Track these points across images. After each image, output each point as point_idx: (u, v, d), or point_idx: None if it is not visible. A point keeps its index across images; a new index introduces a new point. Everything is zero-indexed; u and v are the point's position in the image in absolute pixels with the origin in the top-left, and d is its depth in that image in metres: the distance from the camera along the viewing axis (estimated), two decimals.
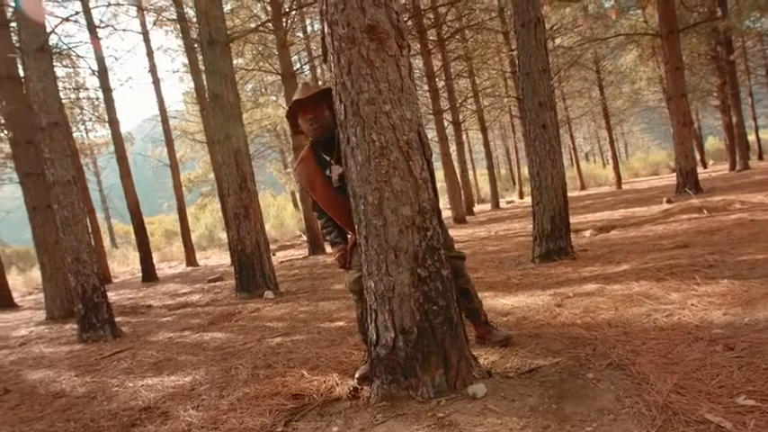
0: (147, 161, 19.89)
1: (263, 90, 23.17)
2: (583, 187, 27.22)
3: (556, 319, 3.34)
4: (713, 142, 36.04)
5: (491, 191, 22.47)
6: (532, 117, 5.73)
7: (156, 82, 16.12)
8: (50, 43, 6.25)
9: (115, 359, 4.44)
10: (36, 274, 14.33)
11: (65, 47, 12.21)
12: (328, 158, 2.76)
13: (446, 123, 17.60)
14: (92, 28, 12.96)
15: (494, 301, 4.09)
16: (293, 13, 13.55)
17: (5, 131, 10.22)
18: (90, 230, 5.93)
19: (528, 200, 19.86)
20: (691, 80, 19.38)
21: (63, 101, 11.91)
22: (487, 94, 22.87)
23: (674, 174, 13.02)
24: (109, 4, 12.35)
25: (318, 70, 18.36)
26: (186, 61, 15.33)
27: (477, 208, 22.85)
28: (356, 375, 2.69)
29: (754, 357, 2.19)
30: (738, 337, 2.43)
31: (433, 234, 2.34)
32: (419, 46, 15.39)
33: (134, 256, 18.03)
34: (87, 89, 17.61)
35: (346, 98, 2.29)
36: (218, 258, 17.50)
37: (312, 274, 8.50)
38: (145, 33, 15.85)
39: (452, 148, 18.29)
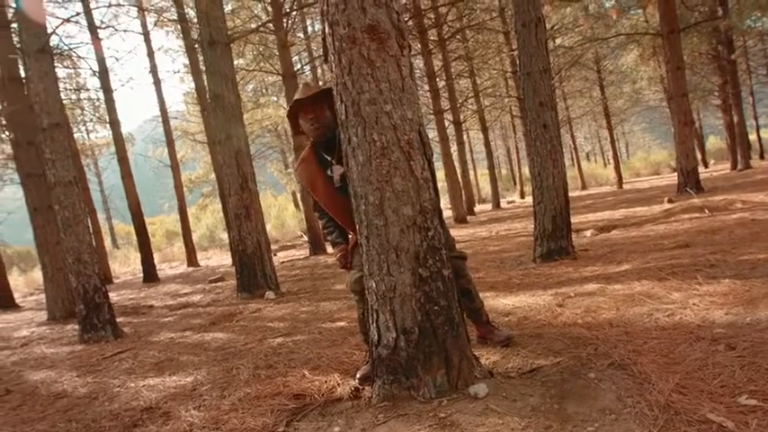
0: (148, 162, 19.90)
1: (263, 90, 23.18)
2: (584, 187, 27.20)
3: (557, 318, 3.34)
4: (714, 142, 36.02)
5: (492, 191, 22.46)
6: (533, 117, 5.73)
7: (157, 82, 16.13)
8: (51, 44, 6.26)
9: (117, 359, 4.45)
10: (37, 274, 14.34)
11: (66, 48, 12.22)
12: (329, 158, 2.76)
13: (447, 123, 17.60)
14: (93, 29, 12.96)
15: (495, 301, 4.09)
16: (294, 13, 13.56)
17: (7, 132, 10.24)
18: (91, 231, 5.93)
19: (529, 200, 19.87)
20: (692, 79, 19.35)
21: (64, 101, 11.95)
22: (488, 94, 22.87)
23: (676, 173, 13.00)
24: (110, 5, 12.37)
25: (319, 70, 18.39)
26: (187, 62, 15.33)
27: (477, 208, 22.83)
28: (358, 375, 2.69)
29: (756, 357, 2.19)
30: (740, 337, 2.43)
31: (434, 234, 2.34)
32: (420, 46, 15.39)
33: (135, 257, 18.03)
34: (88, 90, 17.61)
35: (347, 98, 2.29)
36: (219, 259, 17.51)
37: (313, 275, 8.50)
38: (146, 34, 15.85)
39: (453, 147, 18.29)
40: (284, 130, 22.55)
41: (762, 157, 24.27)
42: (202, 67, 10.22)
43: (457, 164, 17.99)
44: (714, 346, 2.38)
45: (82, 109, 17.93)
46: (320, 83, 16.70)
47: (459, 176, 17.87)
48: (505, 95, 22.43)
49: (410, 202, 2.29)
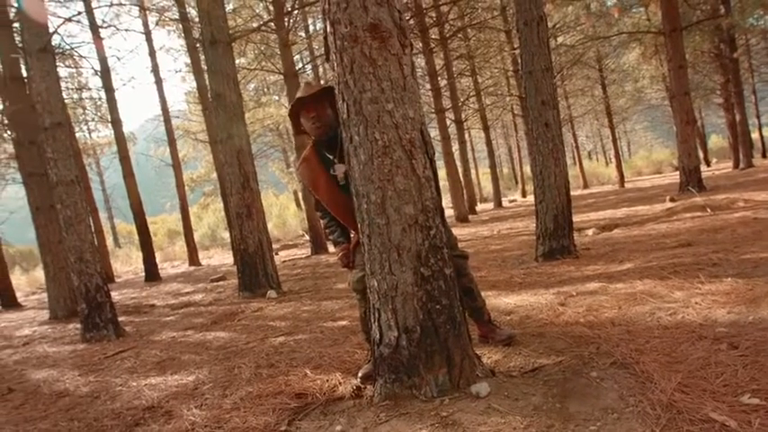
0: (150, 161, 19.91)
1: (265, 89, 23.17)
2: (585, 186, 27.17)
3: (559, 317, 3.34)
4: (716, 140, 35.98)
5: (493, 190, 22.44)
6: (535, 116, 5.72)
7: (159, 82, 16.16)
8: (53, 43, 6.26)
9: (118, 358, 4.45)
10: (39, 273, 14.36)
11: (67, 47, 12.25)
12: (331, 157, 2.75)
13: (448, 122, 17.59)
14: (94, 28, 12.98)
15: (497, 300, 4.09)
16: (295, 12, 13.56)
17: (9, 132, 10.25)
18: (93, 230, 5.94)
19: (530, 199, 19.85)
20: (694, 78, 19.30)
21: (66, 101, 11.96)
22: (490, 93, 22.86)
23: (677, 172, 12.98)
24: (111, 5, 12.38)
25: (321, 69, 18.38)
26: (188, 61, 15.34)
27: (479, 207, 22.83)
28: (359, 374, 2.69)
29: (759, 356, 2.18)
30: (743, 336, 2.42)
31: (436, 233, 2.34)
32: (421, 45, 15.38)
33: (137, 256, 18.05)
34: (90, 89, 17.66)
35: (349, 97, 2.29)
36: (220, 258, 17.53)
37: (315, 274, 8.50)
38: (147, 33, 15.87)
39: (455, 146, 18.29)
40: (286, 129, 22.56)
41: (764, 155, 24.22)
42: (204, 67, 10.23)
43: (458, 163, 17.99)
44: (716, 345, 2.37)
45: (84, 108, 17.96)
46: (322, 82, 16.69)
47: (461, 175, 17.86)
48: (507, 94, 22.41)
49: (412, 200, 2.29)
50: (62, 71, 14.88)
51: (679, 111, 11.75)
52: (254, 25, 13.61)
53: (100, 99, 17.33)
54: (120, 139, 13.57)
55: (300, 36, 16.75)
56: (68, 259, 5.59)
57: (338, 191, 2.73)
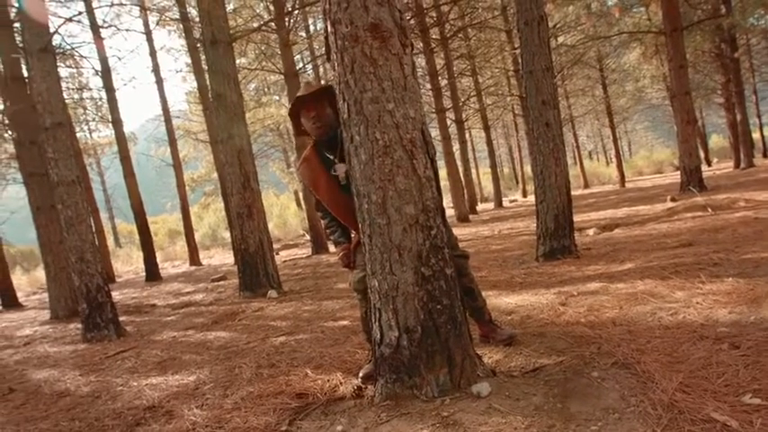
0: (151, 161, 19.92)
1: (265, 89, 23.18)
2: (586, 186, 27.16)
3: (560, 317, 3.33)
4: (717, 140, 35.94)
5: (494, 189, 22.44)
6: (536, 115, 5.72)
7: (159, 82, 16.17)
8: (54, 43, 6.26)
9: (119, 358, 4.46)
10: (40, 273, 14.38)
11: (68, 47, 12.26)
12: (332, 157, 2.75)
13: (449, 122, 17.59)
14: (95, 28, 12.99)
15: (498, 300, 4.08)
16: (296, 12, 13.56)
17: (9, 132, 10.25)
18: (94, 230, 5.94)
19: (531, 198, 19.84)
20: (695, 78, 19.29)
21: (66, 101, 11.97)
22: (490, 93, 22.85)
23: (678, 172, 12.98)
24: (112, 4, 12.38)
25: (321, 69, 18.38)
26: (189, 61, 15.37)
27: (480, 207, 22.83)
28: (360, 374, 2.69)
29: (760, 356, 2.18)
30: (744, 336, 2.42)
31: (437, 233, 2.34)
32: (422, 44, 15.38)
33: (138, 256, 18.06)
34: (91, 89, 17.70)
35: (350, 97, 2.29)
36: (221, 258, 17.54)
37: (315, 274, 8.50)
38: (148, 33, 15.88)
39: (455, 146, 18.30)
40: (286, 129, 22.57)
41: (765, 155, 24.20)
42: (204, 66, 10.24)
43: (459, 162, 17.98)
44: (718, 345, 2.37)
45: (84, 108, 17.98)
46: (323, 82, 16.69)
47: (462, 175, 17.86)
48: (507, 94, 22.41)
49: (413, 200, 2.28)
50: (63, 71, 14.93)
51: (680, 110, 11.75)
52: (255, 25, 13.61)
53: (100, 99, 17.37)
54: (121, 139, 13.59)
55: (301, 36, 16.75)
56: (69, 259, 5.59)
57: (339, 191, 2.72)
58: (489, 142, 22.10)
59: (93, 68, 13.56)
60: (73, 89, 16.61)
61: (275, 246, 11.65)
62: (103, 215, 23.35)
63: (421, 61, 16.15)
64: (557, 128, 5.71)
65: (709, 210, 7.45)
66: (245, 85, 18.95)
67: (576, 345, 2.72)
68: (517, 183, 33.84)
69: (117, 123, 13.52)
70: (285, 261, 11.56)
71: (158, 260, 14.23)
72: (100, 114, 17.92)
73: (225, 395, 2.89)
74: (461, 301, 2.47)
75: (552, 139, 5.68)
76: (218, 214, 23.60)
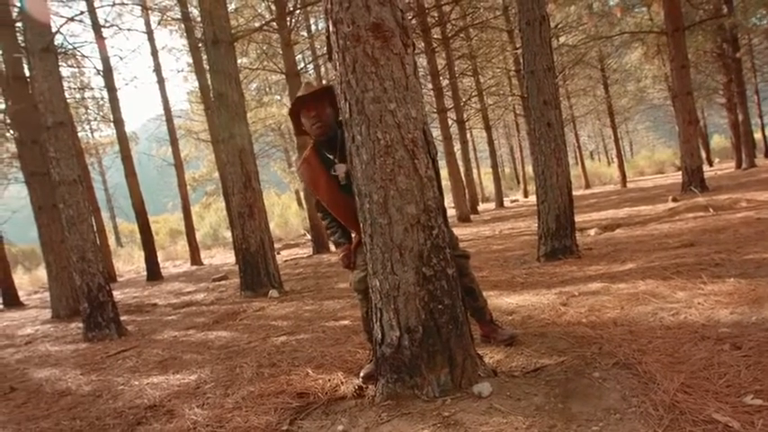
0: (152, 160, 19.95)
1: (267, 89, 23.21)
2: (587, 186, 27.14)
3: (561, 317, 3.33)
4: (719, 140, 35.87)
5: (495, 189, 22.43)
6: (537, 115, 5.71)
7: (161, 81, 16.17)
8: (55, 43, 6.27)
9: (120, 358, 4.46)
10: (42, 272, 14.41)
11: (70, 47, 12.25)
12: (332, 157, 2.75)
13: (450, 122, 17.58)
14: (96, 28, 13.01)
15: (499, 300, 4.08)
16: (297, 12, 13.56)
17: (11, 131, 10.27)
18: (95, 229, 5.95)
19: (532, 199, 19.82)
20: (696, 78, 19.27)
21: (68, 100, 11.96)
22: (492, 93, 22.84)
23: (680, 172, 12.96)
24: (114, 4, 12.39)
25: (323, 69, 18.38)
26: (191, 60, 15.38)
27: (481, 207, 22.83)
28: (361, 374, 2.69)
29: (762, 356, 2.17)
30: (746, 336, 2.41)
31: (438, 233, 2.34)
32: (423, 44, 15.38)
33: (139, 255, 18.09)
34: (92, 89, 17.71)
35: (351, 96, 2.29)
36: (222, 257, 17.55)
37: (316, 273, 8.50)
38: (149, 33, 15.90)
39: (457, 146, 18.29)
40: (287, 128, 22.58)
41: (766, 155, 24.14)
42: (206, 66, 10.23)
43: (460, 162, 17.98)
44: (719, 346, 2.36)
45: (86, 108, 18.00)
46: (324, 81, 16.71)
47: (463, 175, 17.86)
48: (509, 94, 22.40)
49: (414, 200, 2.28)
50: (64, 71, 14.94)
51: (681, 111, 11.73)
52: (257, 25, 13.62)
53: (102, 99, 17.37)
54: (123, 139, 13.60)
55: (302, 36, 16.77)
56: (71, 258, 5.60)
57: (338, 191, 2.72)
58: (490, 142, 22.09)
59: (95, 68, 13.58)
60: (75, 89, 16.63)
61: (276, 245, 11.65)
62: (105, 214, 23.36)
63: (422, 61, 16.15)
64: (558, 128, 5.71)
65: (711, 210, 7.44)
66: (246, 85, 18.97)
67: (577, 345, 2.72)
68: (518, 183, 33.83)
69: (118, 123, 13.54)
70: (286, 261, 11.57)
71: (159, 259, 14.24)
72: (101, 114, 17.94)
73: (226, 394, 2.89)
74: (462, 301, 2.47)
75: (554, 139, 5.67)
76: (219, 214, 23.61)
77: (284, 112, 18.31)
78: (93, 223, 5.84)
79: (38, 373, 4.38)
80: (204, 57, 11.58)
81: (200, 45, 12.95)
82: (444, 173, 15.56)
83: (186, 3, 13.68)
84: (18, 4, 7.28)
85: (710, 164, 25.75)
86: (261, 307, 5.92)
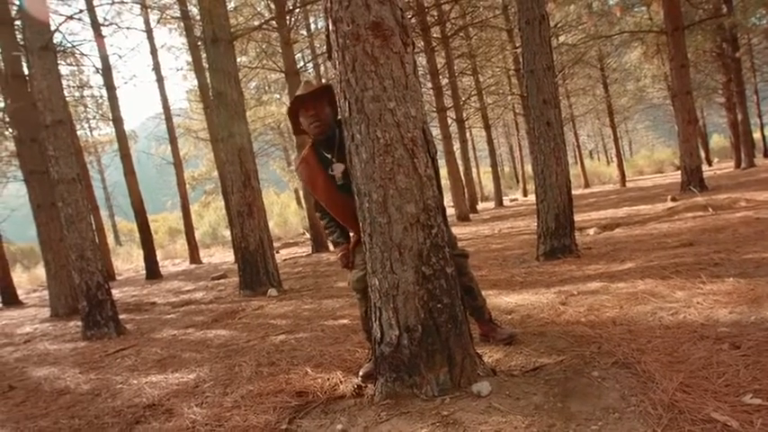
0: (151, 159, 19.93)
1: (266, 88, 23.17)
2: (587, 185, 27.15)
3: (560, 317, 3.33)
4: (718, 140, 35.92)
5: (495, 188, 22.44)
6: (537, 114, 5.71)
7: (160, 80, 16.16)
8: (54, 41, 6.26)
9: (119, 356, 4.46)
10: (40, 271, 14.39)
11: (69, 45, 12.24)
12: (330, 156, 2.74)
13: (450, 121, 17.58)
14: (96, 26, 12.99)
15: (498, 299, 4.08)
16: (297, 10, 13.55)
17: (10, 129, 10.25)
18: (94, 228, 5.94)
19: (532, 198, 19.84)
20: (696, 77, 19.28)
21: (67, 99, 11.95)
22: (491, 92, 22.84)
23: (679, 171, 12.97)
24: (113, 2, 12.37)
25: (322, 68, 18.38)
26: (190, 59, 15.35)
27: (480, 206, 22.83)
28: (360, 373, 2.69)
29: (761, 356, 2.18)
30: (745, 336, 2.41)
31: (437, 232, 2.34)
32: (422, 43, 15.37)
33: (138, 254, 18.08)
34: (91, 87, 17.68)
35: (351, 95, 2.29)
36: (221, 256, 17.54)
37: (315, 272, 8.50)
38: (149, 31, 15.88)
39: (456, 145, 18.28)
40: (287, 127, 22.53)
41: (766, 155, 24.15)
42: (205, 65, 10.23)
43: (460, 161, 17.98)
44: (718, 345, 2.37)
45: (85, 106, 17.99)
46: (324, 80, 16.70)
47: (462, 174, 17.86)
48: (508, 93, 22.41)
49: (413, 199, 2.28)
50: (63, 69, 14.92)
51: (681, 110, 11.74)
52: (256, 23, 13.60)
53: (101, 97, 17.37)
54: (122, 137, 13.59)
55: (302, 34, 16.75)
56: (69, 257, 5.59)
57: (336, 191, 2.72)
58: (490, 141, 22.10)
59: (94, 66, 13.54)
60: (74, 87, 16.62)
61: (275, 244, 11.66)
62: (104, 213, 23.36)
63: (422, 60, 16.14)
64: (558, 127, 5.71)
65: (710, 210, 7.44)
66: (245, 84, 18.94)
67: (576, 344, 2.72)
68: (518, 182, 33.83)
69: (117, 121, 13.53)
70: (285, 259, 11.57)
71: (158, 258, 14.25)
72: (100, 112, 17.94)
73: (225, 393, 2.89)
74: (461, 301, 2.47)
75: (553, 139, 5.67)
76: (218, 212, 23.61)
77: (284, 110, 18.29)
78: (92, 222, 5.83)
79: (36, 371, 4.38)
80: (203, 55, 11.56)
81: (199, 43, 12.93)
82: (444, 172, 15.57)
83: (185, 1, 13.65)
84: (17, 2, 7.27)
85: (710, 163, 25.77)
86: (260, 306, 5.91)
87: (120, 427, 2.68)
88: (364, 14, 2.22)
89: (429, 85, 16.55)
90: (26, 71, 7.91)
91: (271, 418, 2.40)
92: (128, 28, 14.20)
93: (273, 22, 12.31)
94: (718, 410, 1.80)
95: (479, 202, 24.77)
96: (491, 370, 2.46)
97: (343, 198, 2.66)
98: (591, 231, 7.60)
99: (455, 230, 2.92)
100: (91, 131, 23.35)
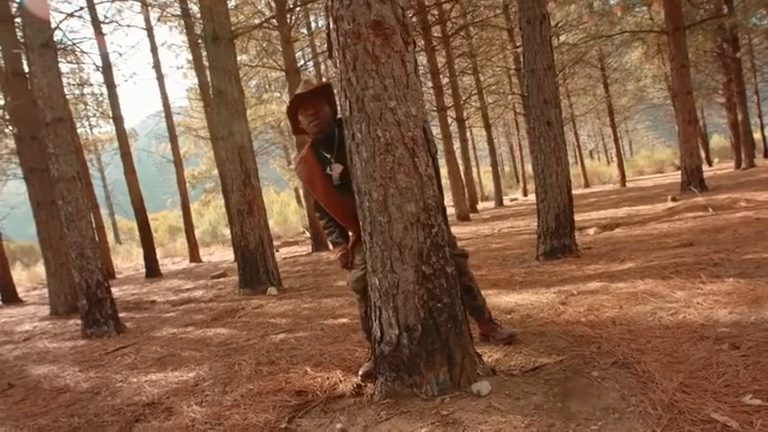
0: (151, 157, 19.92)
1: (266, 86, 23.16)
2: (587, 185, 27.15)
3: (560, 316, 3.33)
4: (718, 140, 35.90)
5: (495, 188, 22.43)
6: (537, 114, 5.71)
7: (160, 78, 16.15)
8: (55, 39, 6.25)
9: (119, 355, 4.46)
10: (40, 269, 14.39)
11: (69, 43, 12.21)
12: (328, 156, 2.74)
13: (450, 120, 17.58)
14: (96, 24, 12.98)
15: (498, 299, 4.08)
16: (297, 9, 13.54)
17: (10, 127, 10.24)
18: (94, 226, 5.94)
19: (532, 197, 19.84)
20: (696, 77, 19.27)
21: (67, 96, 11.94)
22: (492, 92, 22.83)
23: (679, 172, 12.97)
24: (113, 0, 12.35)
25: (323, 66, 18.37)
26: (190, 57, 15.35)
27: (480, 205, 22.83)
28: (360, 372, 2.68)
29: (761, 356, 2.17)
30: (744, 336, 2.41)
31: (437, 231, 2.33)
32: (423, 42, 15.36)
33: (138, 252, 18.07)
34: (91, 85, 17.67)
35: (351, 94, 2.28)
36: (221, 254, 17.54)
37: (315, 271, 8.50)
38: (149, 29, 15.86)
39: (456, 145, 18.28)
40: (287, 126, 22.45)
41: (766, 155, 24.14)
42: (206, 63, 10.22)
43: (460, 161, 17.98)
44: (718, 346, 2.36)
45: (85, 104, 17.98)
46: (324, 79, 16.69)
47: (462, 174, 17.86)
48: (509, 92, 22.40)
49: (414, 198, 2.28)
50: (64, 67, 14.89)
51: (681, 110, 11.73)
52: (257, 22, 13.58)
53: (101, 95, 17.36)
54: (122, 136, 13.58)
55: (302, 33, 16.74)
56: (69, 255, 5.59)
57: (335, 190, 2.71)
58: (490, 141, 22.09)
59: (94, 64, 13.54)
60: (74, 85, 16.60)
61: (275, 243, 11.66)
62: (104, 211, 23.36)
63: (422, 59, 16.13)
64: (558, 127, 5.70)
65: (710, 210, 7.44)
66: (246, 82, 18.93)
67: (576, 344, 2.72)
68: (518, 181, 33.83)
69: (117, 119, 13.51)
70: (285, 258, 11.56)
71: (158, 257, 14.24)
72: (101, 110, 17.93)
73: (224, 392, 2.89)
74: (461, 300, 2.47)
75: (553, 138, 5.67)
76: (218, 211, 23.59)
77: (284, 109, 18.22)
78: (92, 220, 5.83)
79: (36, 369, 4.38)
80: (204, 53, 11.56)
81: (199, 42, 12.92)
82: (444, 171, 15.57)
83: None
84: (17, 0, 7.26)
85: (710, 164, 25.76)
86: (259, 304, 5.91)
87: (120, 426, 2.68)
88: (365, 13, 2.21)
89: (429, 84, 16.54)
90: (26, 69, 7.90)
91: (270, 416, 2.40)
92: (128, 26, 14.21)
93: (274, 20, 12.30)
94: (718, 411, 1.80)
95: (479, 202, 24.77)
96: (491, 369, 2.46)
97: (342, 198, 2.65)
98: (591, 231, 7.60)
99: (455, 230, 2.92)
100: (91, 129, 23.37)
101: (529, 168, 27.06)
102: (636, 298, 3.41)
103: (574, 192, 6.37)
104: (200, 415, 2.57)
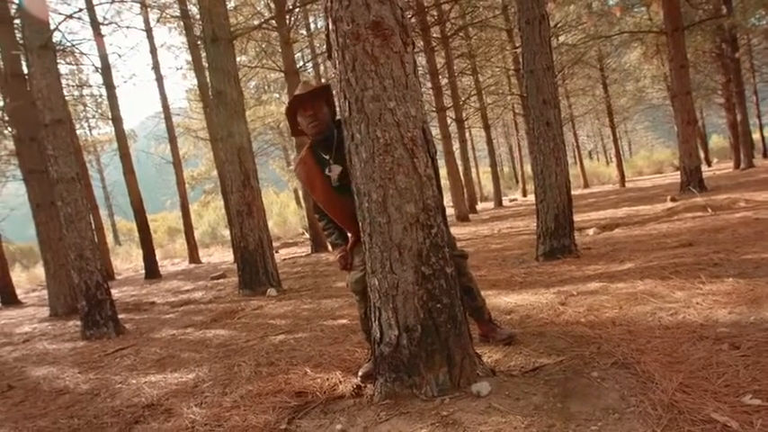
0: (151, 158, 19.91)
1: (266, 87, 23.14)
2: (586, 185, 27.16)
3: (560, 317, 3.33)
4: (717, 140, 35.94)
5: (494, 189, 22.44)
6: (536, 114, 5.71)
7: (160, 79, 16.15)
8: (54, 40, 6.25)
9: (118, 356, 4.45)
10: (40, 270, 14.37)
11: (68, 44, 12.22)
12: (327, 157, 2.73)
13: (449, 121, 17.59)
14: (95, 25, 12.97)
15: (497, 300, 4.08)
16: (297, 10, 13.54)
17: (9, 128, 10.24)
18: (93, 227, 5.93)
19: (531, 198, 19.83)
20: (695, 78, 19.27)
21: (66, 98, 11.95)
22: (491, 92, 22.85)
23: (678, 172, 12.98)
24: (112, 1, 12.34)
25: (322, 67, 18.37)
26: (189, 58, 15.34)
27: (480, 206, 22.83)
28: (360, 373, 2.68)
29: (761, 356, 2.17)
30: (744, 336, 2.41)
31: (437, 232, 2.33)
32: (422, 43, 15.38)
33: (137, 253, 18.07)
34: (91, 86, 17.67)
35: (351, 95, 2.28)
36: (221, 255, 17.53)
37: (315, 272, 8.50)
38: (148, 30, 15.86)
39: (455, 145, 18.29)
40: (286, 127, 22.37)
41: (765, 155, 24.19)
42: (205, 64, 10.22)
43: (459, 161, 17.99)
44: (718, 346, 2.36)
45: (84, 105, 17.99)
46: (323, 80, 16.70)
47: (462, 174, 17.86)
48: (508, 93, 22.41)
49: (413, 199, 2.28)
50: (63, 68, 14.89)
51: (680, 110, 11.74)
52: (256, 23, 13.59)
53: (100, 96, 17.38)
54: (121, 137, 13.58)
55: (302, 34, 16.73)
56: (69, 256, 5.58)
57: (334, 192, 2.71)
58: (489, 141, 22.11)
59: (94, 65, 13.55)
60: (73, 86, 16.61)
61: (275, 244, 11.65)
62: (103, 212, 23.33)
63: (421, 60, 16.13)
64: (557, 127, 5.71)
65: (710, 210, 7.45)
66: (245, 83, 18.93)
67: (575, 344, 2.72)
68: (517, 182, 33.84)
69: (117, 120, 13.51)
70: (285, 259, 11.56)
71: (158, 258, 14.23)
72: (100, 111, 17.93)
73: (224, 393, 2.89)
74: (461, 301, 2.47)
75: (553, 139, 5.67)
76: (217, 212, 23.60)
77: (283, 110, 18.22)
78: (91, 221, 5.82)
79: (35, 371, 4.37)
80: (203, 54, 11.55)
81: (199, 43, 12.93)
82: (443, 172, 15.58)
83: (185, 0, 13.64)
84: (16, 1, 7.26)
85: (709, 164, 25.78)
86: (259, 305, 5.91)
87: (119, 427, 2.68)
88: (364, 14, 2.21)
89: (429, 84, 16.55)
90: (25, 70, 7.90)
91: (270, 418, 2.39)
92: (127, 27, 14.18)
93: (273, 21, 12.30)
94: (718, 411, 1.79)
95: (479, 203, 24.78)
96: (490, 370, 2.46)
97: (340, 199, 2.65)
98: (590, 231, 7.60)
99: (454, 230, 2.92)
100: (90, 130, 23.36)
101: (528, 169, 27.06)
102: (635, 298, 3.42)
103: (573, 192, 6.38)
104: (199, 416, 2.57)
